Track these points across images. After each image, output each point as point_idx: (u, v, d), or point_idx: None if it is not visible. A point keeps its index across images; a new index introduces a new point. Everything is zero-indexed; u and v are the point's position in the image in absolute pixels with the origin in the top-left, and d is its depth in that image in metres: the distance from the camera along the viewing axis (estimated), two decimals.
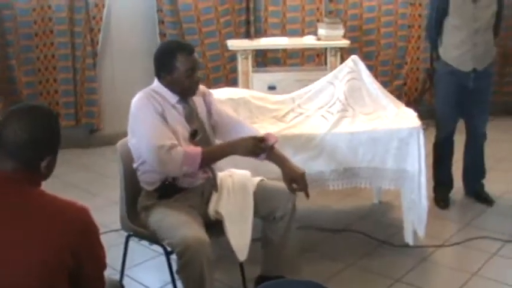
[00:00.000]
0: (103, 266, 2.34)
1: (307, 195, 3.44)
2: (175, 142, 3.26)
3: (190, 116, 3.47)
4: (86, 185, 5.64)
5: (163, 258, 4.10)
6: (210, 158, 3.36)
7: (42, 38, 6.72)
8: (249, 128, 3.66)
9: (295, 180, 3.42)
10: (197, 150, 3.29)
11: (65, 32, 6.75)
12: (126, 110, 6.78)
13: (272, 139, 3.48)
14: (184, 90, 3.43)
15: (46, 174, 2.28)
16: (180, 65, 3.37)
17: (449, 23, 4.93)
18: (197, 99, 3.57)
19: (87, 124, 7.02)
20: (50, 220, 2.13)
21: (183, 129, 3.38)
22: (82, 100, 6.98)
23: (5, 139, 2.19)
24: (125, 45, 7.12)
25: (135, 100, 3.39)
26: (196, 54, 3.46)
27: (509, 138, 7.16)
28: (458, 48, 4.94)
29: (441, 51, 5.06)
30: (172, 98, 3.42)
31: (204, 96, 3.65)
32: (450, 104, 5.05)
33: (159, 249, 3.86)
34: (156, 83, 3.49)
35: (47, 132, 2.25)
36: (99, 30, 6.88)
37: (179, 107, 3.43)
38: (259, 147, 3.35)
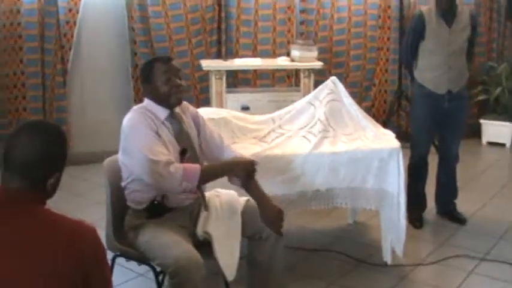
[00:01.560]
0: (110, 286, 2.31)
1: (280, 234, 3.45)
2: (171, 158, 3.25)
3: (180, 133, 3.46)
4: (59, 204, 5.47)
5: (145, 279, 4.13)
6: (209, 175, 3.35)
7: (11, 54, 6.62)
8: (234, 153, 3.67)
9: (271, 221, 3.42)
10: (196, 166, 3.28)
11: (35, 49, 6.66)
12: (95, 129, 6.88)
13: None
14: (166, 97, 3.41)
15: (51, 192, 2.26)
16: (156, 71, 3.41)
17: (425, 46, 5.03)
18: (186, 118, 3.57)
19: None
20: (60, 240, 2.10)
21: (172, 147, 3.37)
22: (51, 118, 6.87)
23: (12, 157, 2.15)
24: (95, 64, 7.06)
25: (128, 118, 3.36)
26: (174, 63, 3.48)
27: (475, 159, 7.30)
28: (434, 71, 5.03)
29: (416, 74, 5.15)
30: (162, 113, 3.42)
31: (194, 117, 3.66)
32: (425, 125, 5.14)
33: (140, 269, 3.85)
34: (146, 101, 3.48)
35: (55, 150, 2.23)
36: (70, 48, 6.81)
37: (168, 124, 3.43)
38: (254, 169, 3.41)
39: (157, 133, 3.32)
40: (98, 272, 2.20)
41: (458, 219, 5.31)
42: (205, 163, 3.59)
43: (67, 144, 2.32)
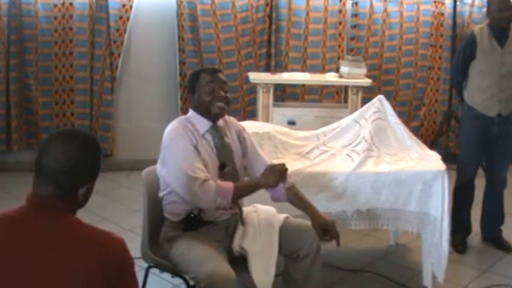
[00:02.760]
0: None
1: (338, 243, 3.42)
2: (208, 175, 3.23)
3: (220, 147, 3.43)
4: (97, 209, 5.57)
5: None
6: (242, 192, 3.34)
7: (61, 59, 6.72)
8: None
9: (327, 228, 3.40)
10: (229, 184, 3.26)
11: (85, 55, 6.75)
12: (140, 137, 6.91)
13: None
14: (207, 108, 3.39)
15: (83, 202, 2.23)
16: (201, 81, 3.40)
17: (476, 67, 4.92)
18: (230, 133, 3.54)
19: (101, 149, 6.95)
20: (89, 251, 2.07)
21: (212, 161, 3.34)
22: (97, 124, 6.95)
23: (46, 164, 2.13)
24: (143, 72, 7.10)
25: (169, 130, 3.35)
26: (221, 74, 3.47)
27: None
28: (484, 92, 4.92)
29: (466, 95, 5.04)
30: (203, 125, 3.40)
31: (239, 131, 3.62)
32: (473, 148, 5.03)
33: (175, 280, 3.82)
34: (190, 112, 3.48)
35: (89, 159, 2.21)
36: (119, 54, 6.87)
37: (209, 136, 3.40)
38: (283, 172, 3.34)
39: (196, 147, 3.29)
40: (124, 284, 2.17)
41: (504, 247, 5.16)
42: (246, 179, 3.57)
43: (100, 156, 2.29)
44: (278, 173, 3.31)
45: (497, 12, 4.83)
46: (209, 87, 3.38)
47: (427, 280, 4.38)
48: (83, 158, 2.17)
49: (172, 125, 3.37)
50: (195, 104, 3.45)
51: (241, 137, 3.61)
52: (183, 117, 3.48)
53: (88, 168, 2.21)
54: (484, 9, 7.48)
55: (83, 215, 2.29)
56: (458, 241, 5.09)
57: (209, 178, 3.21)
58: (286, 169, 3.37)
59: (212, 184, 3.19)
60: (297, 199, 3.57)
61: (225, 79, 3.49)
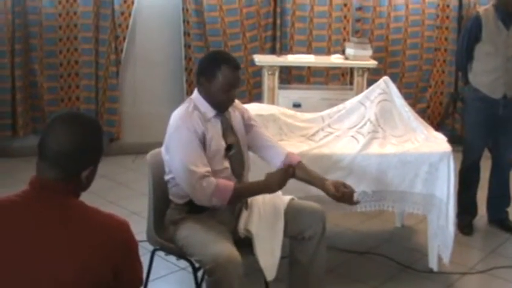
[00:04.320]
0: (140, 282, 2.28)
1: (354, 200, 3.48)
2: (209, 169, 3.21)
3: (226, 130, 3.42)
4: (103, 193, 5.58)
5: (185, 273, 4.10)
6: (241, 195, 3.33)
7: (66, 43, 6.70)
8: (277, 152, 3.62)
9: (342, 187, 3.46)
10: (229, 184, 3.24)
11: (90, 39, 6.74)
12: (146, 120, 6.91)
13: (295, 159, 3.56)
14: (217, 104, 3.37)
15: (86, 185, 2.23)
16: (222, 76, 3.30)
17: (482, 49, 4.89)
18: (234, 114, 3.53)
19: (107, 133, 6.95)
20: (92, 234, 2.07)
21: (218, 145, 3.33)
22: (103, 108, 6.95)
23: (49, 147, 2.13)
24: (149, 55, 7.09)
25: (175, 117, 3.32)
26: (240, 72, 3.41)
27: None
28: (490, 74, 4.90)
29: (471, 77, 5.02)
30: (210, 111, 3.36)
31: (242, 113, 3.60)
32: (479, 130, 5.01)
33: (181, 263, 3.82)
34: (195, 94, 3.43)
35: (92, 142, 2.20)
36: (124, 38, 6.85)
37: (215, 120, 3.38)
38: (289, 175, 3.34)
39: (203, 135, 3.28)
40: (128, 266, 2.17)
41: (510, 228, 5.16)
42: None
43: (102, 138, 2.29)
44: (281, 181, 3.29)
45: None
46: (227, 87, 3.32)
47: (432, 262, 4.38)
48: (85, 140, 2.17)
49: (178, 113, 3.34)
50: (205, 91, 3.37)
51: (244, 118, 3.60)
52: (189, 102, 3.41)
53: (91, 151, 2.20)
54: None
55: (90, 198, 2.30)
56: (465, 223, 5.09)
57: (208, 174, 3.19)
58: (292, 169, 3.40)
59: (212, 182, 3.18)
60: (304, 174, 3.56)
61: (240, 76, 3.45)
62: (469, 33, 4.94)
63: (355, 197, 3.49)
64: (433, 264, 4.38)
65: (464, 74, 5.15)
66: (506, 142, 5.09)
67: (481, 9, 5.01)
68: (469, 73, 5.03)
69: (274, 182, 3.28)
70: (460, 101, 7.46)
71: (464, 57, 5.00)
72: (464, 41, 5.01)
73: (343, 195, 3.45)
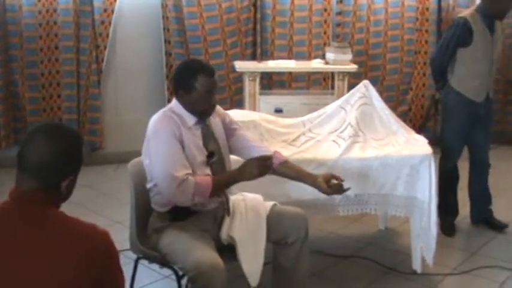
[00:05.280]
0: None
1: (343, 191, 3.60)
2: (189, 171, 3.23)
3: (208, 137, 3.43)
4: (86, 202, 5.58)
5: (169, 281, 4.10)
6: (220, 186, 3.34)
7: (47, 53, 6.68)
8: (262, 151, 3.61)
9: (331, 178, 3.56)
10: (207, 180, 3.26)
11: (71, 49, 6.72)
12: (128, 129, 6.90)
13: (276, 160, 3.56)
14: (199, 112, 3.38)
15: (66, 195, 2.23)
16: (199, 86, 3.32)
17: (468, 54, 4.90)
18: (214, 120, 3.53)
19: (89, 142, 6.95)
20: (72, 244, 2.07)
21: (200, 153, 3.34)
22: (85, 118, 6.93)
23: (28, 158, 2.13)
24: (130, 64, 7.09)
25: (154, 121, 3.34)
26: (216, 77, 3.41)
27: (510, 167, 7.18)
28: (476, 79, 4.96)
29: (454, 81, 5.02)
30: (190, 119, 3.37)
31: (223, 118, 3.62)
32: (461, 133, 5.06)
33: (165, 271, 3.83)
34: (174, 102, 3.44)
35: (72, 152, 2.20)
36: (104, 47, 6.84)
37: (197, 128, 3.39)
38: (264, 167, 3.32)
39: (180, 139, 3.28)
40: (109, 277, 2.17)
41: (497, 225, 5.22)
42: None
43: (82, 149, 2.29)
44: (256, 168, 3.30)
45: (504, 5, 4.88)
46: (207, 95, 3.34)
47: (416, 263, 4.40)
48: (65, 151, 2.17)
49: (157, 117, 3.36)
50: (185, 101, 3.38)
51: (225, 123, 3.61)
52: (168, 107, 3.44)
53: (70, 161, 2.21)
54: None
55: (72, 208, 2.30)
56: (447, 224, 5.13)
57: (188, 176, 3.20)
58: (269, 160, 3.38)
59: (191, 182, 3.19)
60: (293, 171, 3.64)
61: (217, 81, 3.46)
62: (457, 39, 4.90)
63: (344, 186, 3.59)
64: (417, 266, 4.40)
65: (441, 78, 5.14)
66: (484, 141, 5.16)
67: (466, 15, 4.97)
68: (451, 77, 5.03)
69: (247, 172, 3.30)
70: (435, 104, 7.53)
71: (446, 61, 5.01)
72: (449, 45, 4.95)
73: (334, 189, 3.55)
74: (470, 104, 4.97)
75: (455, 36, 4.93)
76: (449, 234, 5.08)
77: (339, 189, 3.57)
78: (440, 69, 5.11)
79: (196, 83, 3.32)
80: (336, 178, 3.58)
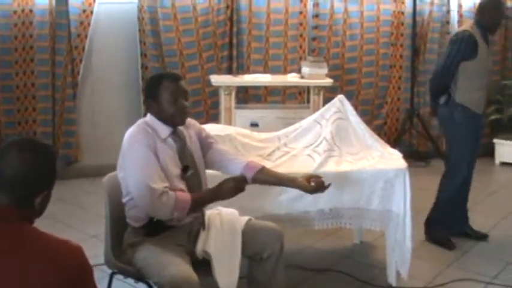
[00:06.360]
0: None
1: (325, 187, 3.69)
2: (167, 185, 3.23)
3: (182, 151, 3.42)
4: (62, 217, 5.55)
5: None
6: (199, 204, 3.34)
7: (22, 66, 6.65)
8: (237, 163, 3.64)
9: (312, 177, 3.66)
10: (187, 196, 3.26)
11: (46, 61, 6.70)
12: (104, 142, 6.87)
13: (252, 170, 3.58)
14: (171, 118, 3.38)
15: (40, 211, 2.22)
16: (164, 90, 3.35)
17: (470, 67, 4.94)
18: (189, 133, 3.54)
19: (65, 155, 6.93)
20: (45, 260, 2.06)
21: (174, 166, 3.34)
22: (60, 131, 6.91)
23: (0, 173, 2.12)
24: (106, 77, 7.08)
25: (129, 134, 3.33)
26: (183, 82, 3.44)
27: (488, 179, 7.24)
28: (478, 91, 5.04)
29: (458, 96, 5.01)
30: (164, 131, 3.37)
31: (199, 132, 3.63)
32: (472, 147, 5.11)
33: (140, 286, 3.80)
34: (148, 116, 3.45)
35: (45, 167, 2.19)
36: (80, 60, 6.83)
37: (170, 141, 3.39)
38: (241, 187, 3.35)
39: (156, 152, 3.28)
40: None
41: (480, 236, 5.31)
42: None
43: (55, 164, 2.28)
44: (233, 190, 3.32)
45: (500, 17, 5.05)
46: (172, 98, 3.36)
47: (391, 277, 4.40)
48: (38, 166, 2.16)
49: (132, 130, 3.35)
50: (155, 111, 3.41)
51: (200, 137, 3.62)
52: (142, 121, 3.44)
53: (44, 177, 2.20)
54: (444, 8, 7.63)
55: (47, 222, 2.29)
56: (447, 238, 5.20)
57: (168, 189, 3.20)
58: (244, 181, 3.40)
59: (171, 197, 3.18)
60: (271, 177, 3.67)
61: (187, 87, 3.48)
62: (463, 53, 4.91)
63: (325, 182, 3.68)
64: (392, 280, 4.40)
65: (440, 95, 5.12)
66: (477, 154, 5.24)
67: (468, 28, 5.00)
68: (455, 92, 5.01)
69: (225, 191, 3.31)
70: (416, 116, 7.60)
71: (450, 76, 4.98)
72: (454, 61, 4.94)
73: (316, 186, 3.62)
74: (474, 116, 5.04)
75: (461, 50, 4.93)
76: (452, 246, 5.15)
77: (321, 186, 3.65)
78: (443, 85, 5.07)
79: (161, 88, 3.36)
80: (317, 177, 3.66)
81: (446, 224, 5.18)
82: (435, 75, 5.17)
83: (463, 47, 4.92)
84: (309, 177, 3.67)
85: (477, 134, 5.17)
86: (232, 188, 3.31)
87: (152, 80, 3.49)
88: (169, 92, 3.35)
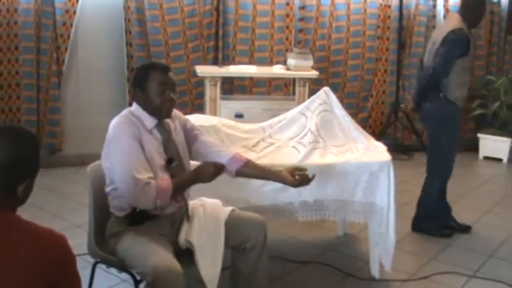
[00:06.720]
0: None
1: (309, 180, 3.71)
2: (151, 175, 3.22)
3: (167, 142, 3.41)
4: (46, 206, 5.54)
5: (127, 285, 4.08)
6: (179, 188, 3.32)
7: (6, 54, 6.60)
8: (223, 155, 3.61)
9: (297, 170, 3.69)
10: (168, 183, 3.25)
11: (31, 49, 6.66)
12: (89, 131, 6.85)
13: (237, 163, 3.58)
14: (157, 109, 3.36)
15: (23, 199, 2.20)
16: (152, 81, 3.34)
17: (461, 64, 5.00)
18: (174, 125, 3.52)
19: (49, 144, 6.90)
20: (28, 249, 2.04)
21: (159, 157, 3.32)
22: (44, 119, 6.87)
23: None
24: (91, 66, 7.05)
25: (114, 124, 3.30)
26: (171, 74, 3.42)
27: (471, 173, 7.26)
28: (465, 87, 5.14)
29: (449, 92, 5.05)
30: (150, 122, 3.36)
31: (184, 124, 3.62)
32: (457, 140, 5.23)
33: (123, 275, 3.81)
34: (134, 105, 3.42)
35: (28, 155, 2.17)
36: (65, 49, 6.79)
37: (156, 132, 3.37)
38: (220, 173, 3.39)
39: (141, 142, 3.27)
40: (65, 281, 2.14)
41: (465, 228, 5.39)
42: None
43: (39, 152, 2.25)
44: (213, 175, 3.34)
45: (483, 13, 5.13)
46: (160, 89, 3.34)
47: (374, 269, 4.43)
48: (20, 154, 2.14)
49: (117, 120, 3.33)
50: (141, 101, 3.39)
51: (185, 129, 3.61)
52: (127, 110, 3.42)
53: (26, 165, 2.18)
54: (431, 2, 7.64)
55: (31, 211, 2.27)
56: (443, 228, 5.31)
57: (149, 181, 3.18)
58: (223, 168, 3.42)
59: (153, 186, 3.18)
60: (256, 170, 3.67)
61: (175, 79, 3.47)
62: (460, 52, 4.95)
63: (310, 174, 3.70)
64: (375, 272, 4.43)
65: (434, 89, 5.11)
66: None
67: (461, 26, 4.98)
68: (446, 88, 5.04)
69: (204, 174, 3.33)
70: (401, 110, 7.62)
71: (447, 73, 4.98)
72: (453, 58, 4.95)
73: (300, 179, 3.64)
74: (459, 111, 5.16)
75: (459, 49, 4.95)
76: (450, 234, 5.28)
77: (305, 179, 3.67)
78: (438, 81, 5.06)
79: (149, 78, 3.35)
80: (301, 169, 3.67)
81: (437, 215, 5.30)
82: (432, 75, 5.09)
83: (461, 47, 4.97)
84: (293, 170, 3.67)
85: (459, 128, 5.31)
86: (212, 173, 3.32)
87: (141, 70, 3.46)
88: (157, 83, 3.34)
